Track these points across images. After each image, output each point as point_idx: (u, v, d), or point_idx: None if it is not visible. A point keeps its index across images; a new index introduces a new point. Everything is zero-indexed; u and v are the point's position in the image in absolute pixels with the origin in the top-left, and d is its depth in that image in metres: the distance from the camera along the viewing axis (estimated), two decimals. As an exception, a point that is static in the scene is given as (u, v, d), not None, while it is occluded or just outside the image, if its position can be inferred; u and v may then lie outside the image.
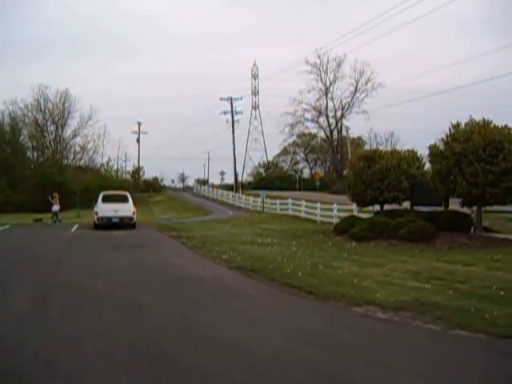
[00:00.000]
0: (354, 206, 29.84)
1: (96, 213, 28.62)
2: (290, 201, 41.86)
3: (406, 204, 25.35)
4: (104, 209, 28.59)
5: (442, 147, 20.68)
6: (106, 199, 29.36)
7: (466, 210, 20.98)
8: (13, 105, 77.95)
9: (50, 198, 37.18)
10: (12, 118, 78.28)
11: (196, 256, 16.12)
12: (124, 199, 29.58)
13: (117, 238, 22.43)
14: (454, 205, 21.75)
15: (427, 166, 26.32)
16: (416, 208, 23.84)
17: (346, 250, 17.52)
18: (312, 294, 9.63)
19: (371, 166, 25.20)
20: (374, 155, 25.79)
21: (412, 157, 25.82)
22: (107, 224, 28.15)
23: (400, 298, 9.06)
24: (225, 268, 13.36)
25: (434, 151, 21.20)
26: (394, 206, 25.53)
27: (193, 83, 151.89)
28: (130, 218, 28.64)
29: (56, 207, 36.34)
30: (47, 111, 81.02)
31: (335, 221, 31.29)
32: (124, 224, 28.29)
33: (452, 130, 20.56)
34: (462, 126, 20.42)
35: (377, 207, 27.07)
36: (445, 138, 20.62)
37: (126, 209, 28.90)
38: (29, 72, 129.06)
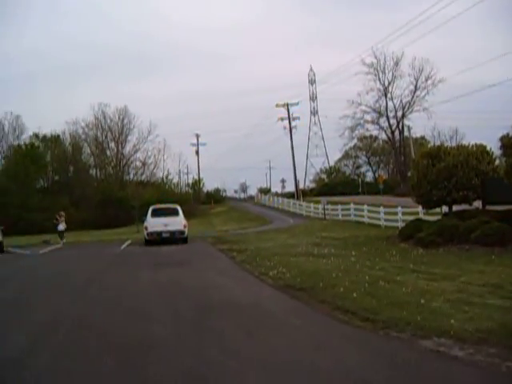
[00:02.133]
0: (420, 209, 27.69)
1: (146, 228, 27.47)
2: (351, 206, 39.96)
3: (477, 204, 23.05)
4: (154, 223, 27.36)
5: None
6: (155, 213, 28.10)
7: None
8: (74, 124, 79.08)
9: (57, 217, 35.96)
10: (73, 137, 79.19)
11: (242, 273, 14.49)
12: (174, 212, 28.24)
13: (163, 255, 21.14)
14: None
15: (497, 161, 24.27)
16: (489, 207, 21.53)
17: (411, 258, 15.56)
18: (368, 320, 7.81)
19: (436, 163, 22.99)
20: (439, 152, 23.57)
21: (481, 151, 23.47)
22: (158, 239, 26.92)
23: (481, 324, 7.14)
24: (270, 288, 11.65)
25: (506, 142, 18.99)
26: (464, 207, 23.24)
27: (251, 94, 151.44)
28: (181, 232, 27.32)
29: (61, 226, 35.16)
30: (107, 128, 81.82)
31: (400, 225, 29.33)
32: (175, 238, 26.99)
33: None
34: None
35: (445, 208, 24.82)
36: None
37: (177, 222, 27.57)
38: (88, 92, 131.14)
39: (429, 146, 72.18)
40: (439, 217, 24.86)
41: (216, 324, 8.00)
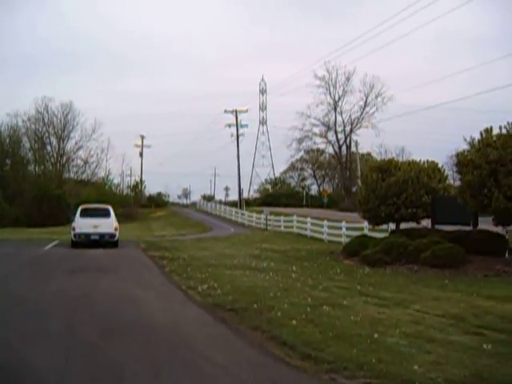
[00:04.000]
0: (365, 224, 26.55)
1: (73, 228, 25.26)
2: (294, 218, 38.68)
3: (425, 222, 21.98)
4: (82, 224, 25.17)
5: (470, 155, 17.43)
6: (85, 213, 25.88)
7: (498, 229, 17.75)
8: (16, 117, 75.66)
9: None
10: (14, 130, 75.85)
11: (167, 286, 12.69)
12: (105, 214, 26.10)
13: (87, 259, 19.15)
14: (483, 224, 18.48)
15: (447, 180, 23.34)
16: (438, 227, 20.46)
17: (357, 278, 14.21)
18: (310, 359, 6.24)
19: (386, 178, 21.84)
20: (390, 166, 22.48)
21: (433, 168, 22.51)
22: (85, 241, 24.82)
23: (451, 371, 5.68)
24: (196, 306, 9.91)
25: (462, 160, 17.92)
26: (411, 225, 22.14)
27: (199, 100, 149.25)
28: (112, 235, 25.25)
29: None
30: (49, 123, 78.65)
31: (344, 240, 28.21)
32: (105, 242, 24.94)
33: (484, 135, 17.33)
34: (496, 130, 17.18)
35: (392, 226, 23.69)
36: (476, 144, 17.39)
37: (107, 225, 25.47)
38: (32, 86, 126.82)
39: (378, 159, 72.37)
40: (385, 234, 23.76)
41: (118, 354, 6.32)
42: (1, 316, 8.85)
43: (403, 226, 22.36)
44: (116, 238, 25.35)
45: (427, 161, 23.10)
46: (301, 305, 9.55)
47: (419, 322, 8.32)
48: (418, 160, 23.26)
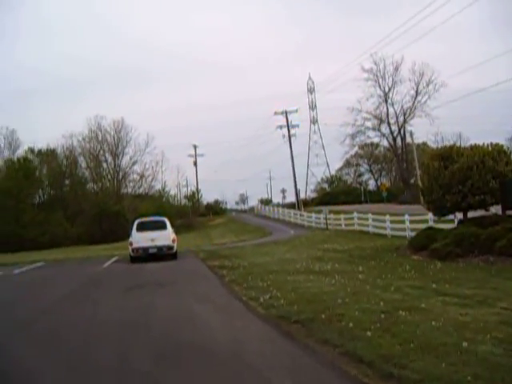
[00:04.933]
0: (429, 216, 25.35)
1: (130, 244, 24.94)
2: (355, 215, 37.75)
3: (495, 209, 20.65)
4: (139, 238, 24.83)
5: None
6: (141, 227, 25.53)
7: None
8: (70, 138, 77.56)
9: None
10: (68, 151, 77.35)
11: (227, 298, 11.91)
12: (162, 226, 25.67)
13: (145, 274, 18.69)
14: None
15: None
16: (510, 213, 19.13)
17: (430, 275, 13.17)
18: (393, 378, 5.39)
19: (448, 165, 20.60)
20: (451, 153, 21.19)
21: (498, 151, 21.08)
22: (144, 256, 24.47)
23: None
24: (258, 320, 9.12)
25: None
26: (480, 213, 20.85)
27: (247, 105, 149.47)
28: (170, 247, 24.82)
29: None
30: (103, 141, 79.97)
31: (408, 234, 27.15)
32: (163, 254, 24.54)
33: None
34: None
35: (458, 216, 22.42)
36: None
37: (165, 237, 25.04)
38: (85, 106, 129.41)
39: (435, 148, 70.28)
40: (452, 225, 22.54)
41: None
42: (50, 344, 8.30)
43: (471, 214, 21.10)
44: (174, 250, 24.92)
45: (491, 143, 21.75)
46: (373, 311, 8.67)
47: (510, 323, 7.34)
48: (480, 144, 21.95)
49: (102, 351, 7.43)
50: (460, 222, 21.41)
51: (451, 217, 23.25)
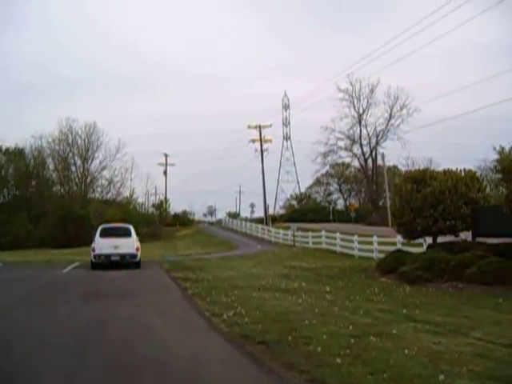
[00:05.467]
0: (398, 239, 25.15)
1: (93, 249, 24.13)
2: (323, 233, 37.46)
3: (464, 235, 20.52)
4: (102, 245, 24.03)
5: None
6: (105, 233, 24.76)
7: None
8: (40, 139, 75.84)
9: None
10: (38, 152, 75.90)
11: (189, 313, 11.34)
12: (126, 233, 24.94)
13: (105, 282, 18.02)
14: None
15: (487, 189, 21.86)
16: (480, 240, 19.01)
17: (399, 299, 12.86)
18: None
19: (421, 189, 20.45)
20: (424, 176, 21.08)
21: (470, 177, 21.05)
22: (106, 262, 23.72)
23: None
24: (220, 338, 8.56)
25: (507, 165, 16.50)
26: (449, 239, 20.68)
27: (220, 118, 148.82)
28: (133, 256, 24.08)
29: None
30: (74, 144, 78.52)
31: (376, 256, 26.94)
32: (126, 263, 23.81)
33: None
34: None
35: (428, 239, 22.24)
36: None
37: (128, 245, 24.30)
38: (58, 108, 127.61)
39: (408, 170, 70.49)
40: (421, 249, 22.36)
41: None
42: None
43: (440, 239, 20.95)
44: (138, 259, 24.20)
45: (464, 169, 21.71)
46: (342, 335, 8.21)
47: (486, 356, 6.96)
48: (453, 169, 21.84)
49: (46, 368, 6.82)
50: (429, 246, 21.21)
51: (420, 240, 23.06)
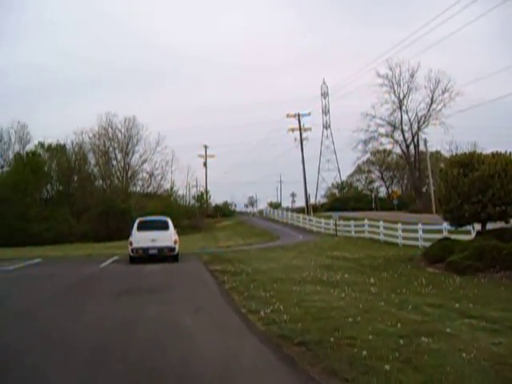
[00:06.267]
0: (444, 226, 24.14)
1: (130, 243, 23.75)
2: (366, 222, 36.52)
3: (514, 222, 19.47)
4: (139, 238, 23.64)
5: None
6: (142, 227, 24.36)
7: None
8: (81, 135, 77.07)
9: None
10: (79, 147, 76.66)
11: (225, 309, 10.67)
12: (164, 226, 24.48)
13: (141, 277, 17.52)
14: None
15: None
16: (532, 226, 17.97)
17: (450, 291, 12.01)
18: None
19: (468, 173, 19.40)
20: (471, 160, 20.01)
21: (522, 159, 19.84)
22: (144, 256, 23.33)
23: None
24: (256, 339, 7.87)
25: None
26: (499, 225, 19.64)
27: (259, 108, 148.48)
28: (171, 249, 23.62)
29: None
30: (114, 138, 79.17)
31: (421, 244, 26.00)
32: (164, 256, 23.38)
33: None
34: None
35: (476, 226, 21.19)
36: None
37: (166, 237, 23.84)
38: (98, 104, 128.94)
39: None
40: (468, 236, 21.34)
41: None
42: (18, 355, 7.19)
43: (489, 226, 19.92)
44: (176, 252, 23.73)
45: (514, 151, 20.55)
46: (390, 334, 7.45)
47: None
48: (502, 152, 20.70)
49: (67, 370, 6.28)
50: (478, 233, 20.21)
51: (468, 228, 22.02)
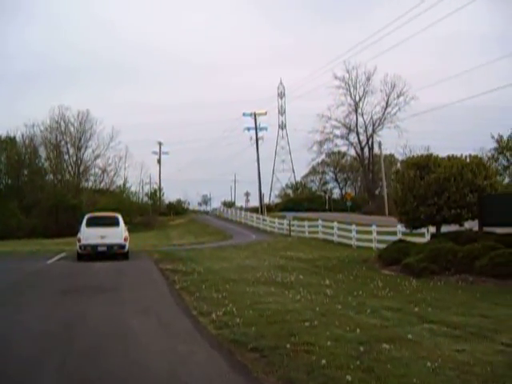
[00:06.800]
0: (398, 228, 24.05)
1: (79, 239, 22.86)
2: (320, 222, 36.33)
3: (468, 224, 19.43)
4: (88, 235, 22.77)
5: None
6: (91, 223, 23.48)
7: None
8: (33, 127, 74.88)
9: None
10: (30, 140, 74.69)
11: (174, 311, 10.10)
12: (114, 222, 23.62)
13: (88, 275, 16.82)
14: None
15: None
16: (487, 229, 17.88)
17: (407, 294, 11.74)
18: None
19: (425, 175, 19.29)
20: (428, 162, 19.92)
21: (477, 164, 19.84)
22: (92, 253, 22.51)
23: None
24: (207, 344, 7.36)
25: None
26: (453, 228, 19.60)
27: (215, 107, 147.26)
28: (121, 246, 22.85)
29: None
30: (67, 132, 77.24)
31: (375, 246, 25.91)
32: (113, 253, 22.59)
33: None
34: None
35: (431, 229, 21.14)
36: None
37: (116, 234, 23.05)
38: (50, 96, 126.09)
39: (398, 164, 69.40)
40: (422, 238, 21.29)
41: None
42: None
43: (443, 229, 19.87)
44: (126, 249, 22.99)
45: (469, 155, 20.56)
46: (349, 340, 7.05)
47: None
48: (458, 155, 20.69)
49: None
50: (433, 236, 20.14)
51: (421, 230, 21.97)
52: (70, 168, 79.43)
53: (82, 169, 79.60)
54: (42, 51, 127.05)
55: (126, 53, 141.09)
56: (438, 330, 7.89)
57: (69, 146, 78.97)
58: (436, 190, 18.81)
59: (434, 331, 7.78)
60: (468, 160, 20.01)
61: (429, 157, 20.89)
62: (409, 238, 21.44)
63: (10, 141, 73.94)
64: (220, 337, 7.73)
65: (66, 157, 79.32)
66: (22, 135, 74.62)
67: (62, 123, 77.31)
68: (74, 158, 79.30)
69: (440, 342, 7.07)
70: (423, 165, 19.84)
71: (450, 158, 20.15)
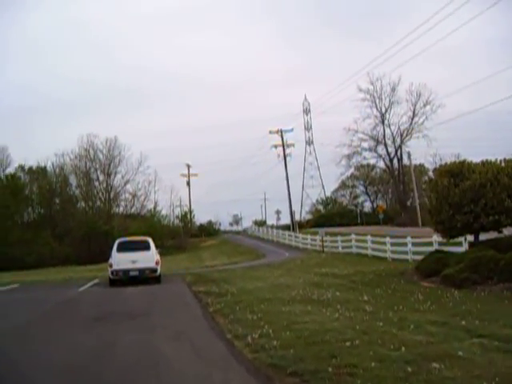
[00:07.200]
0: (434, 238, 23.40)
1: (110, 265, 22.71)
2: (353, 237, 35.72)
3: (508, 231, 18.79)
4: (120, 260, 22.59)
5: None
6: (122, 248, 23.30)
7: None
8: (62, 156, 76.44)
9: None
10: (61, 169, 75.75)
11: (208, 335, 9.66)
12: (145, 247, 23.40)
13: (120, 300, 16.55)
14: None
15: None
16: (527, 235, 17.26)
17: (451, 306, 11.18)
18: None
19: (459, 183, 18.69)
20: (462, 169, 19.30)
21: (512, 167, 19.17)
22: (124, 279, 22.30)
23: None
24: (244, 369, 6.92)
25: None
26: (492, 235, 18.93)
27: (241, 127, 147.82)
28: (153, 270, 22.61)
29: None
30: (96, 160, 78.20)
31: (411, 258, 25.27)
32: (145, 277, 22.35)
33: None
34: None
35: (468, 238, 20.45)
36: None
37: (147, 258, 22.81)
38: (79, 125, 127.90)
39: (429, 174, 68.30)
40: (460, 248, 20.58)
41: None
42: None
43: (481, 237, 19.20)
44: (158, 273, 22.73)
45: (504, 159, 19.88)
46: (394, 360, 6.56)
47: None
48: (492, 160, 20.04)
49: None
50: (471, 244, 19.47)
51: (458, 239, 21.29)
52: (100, 194, 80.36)
53: (112, 195, 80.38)
54: (68, 79, 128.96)
55: (148, 79, 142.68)
56: (490, 344, 7.37)
57: (98, 172, 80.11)
58: (472, 197, 18.20)
59: (486, 346, 7.27)
60: (503, 164, 19.36)
61: (462, 163, 20.26)
62: (446, 248, 20.80)
63: (41, 171, 75.51)
64: (257, 361, 7.31)
65: (97, 183, 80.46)
66: (53, 164, 76.21)
67: (91, 151, 78.48)
68: (104, 185, 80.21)
69: (494, 359, 6.56)
70: (457, 172, 19.25)
71: (485, 163, 19.51)
